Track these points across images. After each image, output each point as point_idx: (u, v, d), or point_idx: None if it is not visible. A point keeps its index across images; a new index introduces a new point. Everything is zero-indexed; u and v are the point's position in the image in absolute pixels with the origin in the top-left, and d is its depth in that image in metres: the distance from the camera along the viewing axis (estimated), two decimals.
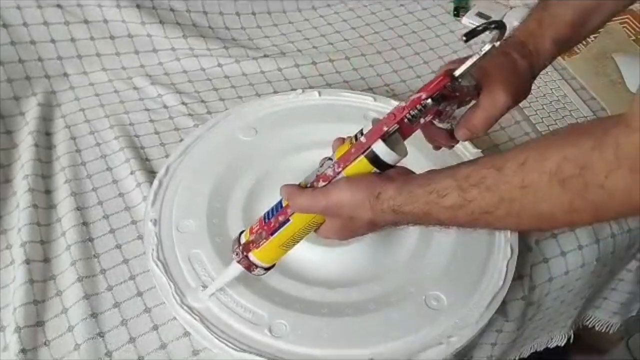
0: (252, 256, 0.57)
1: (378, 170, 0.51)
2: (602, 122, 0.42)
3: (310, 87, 0.92)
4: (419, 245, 0.69)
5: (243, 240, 0.57)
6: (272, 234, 0.55)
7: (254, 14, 1.06)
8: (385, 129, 0.50)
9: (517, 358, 0.84)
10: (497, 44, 0.49)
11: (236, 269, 0.59)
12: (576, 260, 0.76)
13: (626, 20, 1.07)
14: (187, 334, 0.62)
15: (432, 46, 1.04)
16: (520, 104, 0.90)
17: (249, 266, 0.57)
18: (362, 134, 0.52)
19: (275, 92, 0.92)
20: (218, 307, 0.61)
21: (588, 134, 0.41)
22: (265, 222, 0.56)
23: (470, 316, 0.62)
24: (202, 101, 0.89)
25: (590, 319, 0.93)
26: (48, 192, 0.75)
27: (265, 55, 0.98)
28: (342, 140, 0.54)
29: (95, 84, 0.90)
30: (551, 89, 0.95)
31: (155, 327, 0.63)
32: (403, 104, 0.51)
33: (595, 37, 1.05)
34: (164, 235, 0.67)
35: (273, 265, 0.59)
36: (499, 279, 0.65)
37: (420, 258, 0.68)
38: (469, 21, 1.08)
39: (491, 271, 0.66)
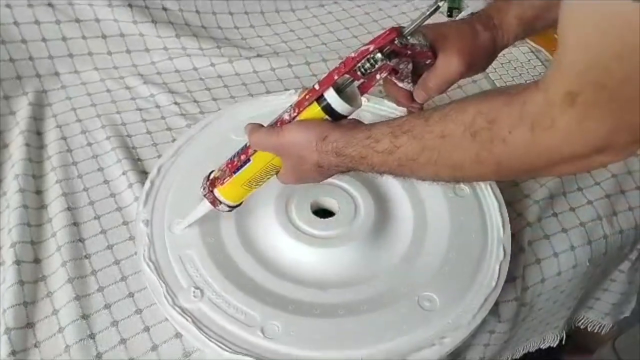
0: (217, 192, 0.62)
1: (330, 119, 0.54)
2: (523, 84, 0.44)
3: (304, 87, 0.92)
4: (412, 246, 0.69)
5: (212, 176, 0.62)
6: (234, 172, 0.59)
7: (247, 13, 1.05)
8: (335, 77, 0.53)
9: (509, 359, 0.84)
10: (442, 3, 0.52)
11: (206, 204, 0.63)
12: (568, 261, 0.76)
13: None
14: (178, 335, 0.62)
15: None
16: None
17: (214, 201, 0.62)
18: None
19: (268, 92, 0.91)
20: (210, 308, 0.61)
21: (505, 93, 0.44)
22: (229, 160, 0.60)
23: (463, 317, 0.62)
24: (195, 101, 0.89)
25: (583, 320, 0.93)
26: (39, 192, 0.75)
27: (258, 55, 0.98)
28: (305, 90, 0.57)
29: (86, 83, 0.90)
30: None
31: (147, 329, 0.63)
32: (353, 54, 0.54)
33: None
34: (155, 236, 0.67)
35: (238, 205, 0.63)
36: (492, 280, 0.65)
37: (413, 259, 0.67)
38: None
39: (484, 272, 0.66)
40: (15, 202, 0.71)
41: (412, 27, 0.54)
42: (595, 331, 0.94)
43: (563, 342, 0.89)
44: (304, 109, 0.54)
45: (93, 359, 0.60)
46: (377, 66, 0.53)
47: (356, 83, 0.55)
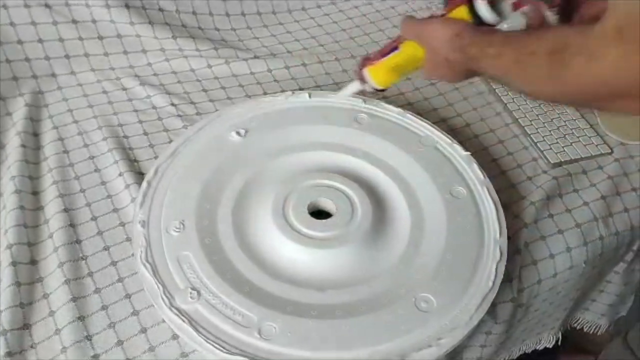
0: (366, 71, 0.67)
1: (474, 22, 0.56)
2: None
3: (301, 89, 0.92)
4: (409, 247, 0.69)
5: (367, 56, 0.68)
6: (384, 56, 0.65)
7: (243, 14, 1.05)
8: None
9: (506, 359, 0.84)
10: None
11: (356, 83, 0.69)
12: (565, 263, 0.77)
13: None
14: (175, 336, 0.62)
15: None
16: (510, 107, 0.91)
17: (362, 78, 0.68)
18: None
19: (265, 93, 0.91)
20: (207, 310, 0.61)
21: (581, 24, 0.50)
22: (385, 46, 0.65)
23: (460, 318, 0.62)
24: (192, 102, 0.89)
25: (579, 321, 0.93)
26: (35, 193, 0.75)
27: (255, 57, 0.98)
28: None
29: (83, 84, 0.89)
30: None
31: (144, 330, 0.63)
32: None
33: None
34: (152, 237, 0.67)
35: (382, 90, 0.68)
36: (489, 281, 0.65)
37: (410, 260, 0.68)
38: None
39: (480, 273, 0.66)
40: (11, 204, 0.71)
41: None
42: (592, 332, 0.94)
43: (559, 343, 0.90)
44: (454, 7, 0.57)
45: None
46: None
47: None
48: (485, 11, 0.56)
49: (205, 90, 0.91)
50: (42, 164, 0.78)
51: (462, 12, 0.56)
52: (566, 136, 0.88)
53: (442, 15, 0.58)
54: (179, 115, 0.86)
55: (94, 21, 0.93)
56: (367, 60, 0.67)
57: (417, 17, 0.61)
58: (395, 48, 0.64)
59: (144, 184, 0.72)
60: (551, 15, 0.59)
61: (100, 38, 0.93)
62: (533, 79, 0.51)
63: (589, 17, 0.56)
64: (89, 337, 0.61)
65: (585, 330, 0.94)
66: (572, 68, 0.45)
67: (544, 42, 0.48)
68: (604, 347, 0.97)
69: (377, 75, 0.66)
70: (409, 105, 0.92)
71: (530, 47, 0.50)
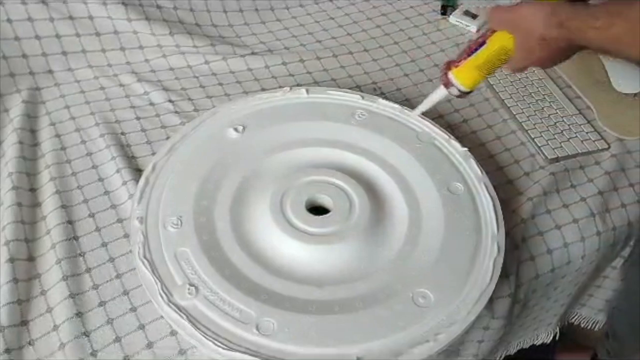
0: (451, 74, 0.67)
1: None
2: None
3: (298, 85, 0.92)
4: (407, 243, 0.69)
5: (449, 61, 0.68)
6: (469, 55, 0.65)
7: (241, 11, 1.05)
8: None
9: (503, 355, 0.85)
10: None
11: (441, 90, 0.69)
12: (562, 258, 0.77)
13: None
14: (173, 332, 0.62)
15: (419, 44, 1.04)
16: (507, 103, 0.91)
17: (447, 83, 0.67)
18: None
19: (262, 89, 0.91)
20: (205, 306, 0.61)
21: None
22: (467, 47, 0.66)
23: (458, 314, 0.62)
24: (189, 99, 0.89)
25: (576, 317, 0.94)
26: (33, 190, 0.74)
27: (252, 53, 0.98)
28: None
29: (80, 80, 0.89)
30: (537, 87, 0.95)
31: (142, 326, 0.63)
32: None
33: None
34: (150, 233, 0.67)
35: (468, 93, 0.68)
36: (486, 276, 0.65)
37: (408, 256, 0.68)
38: (456, 20, 1.09)
39: (478, 269, 0.66)
40: (9, 200, 0.71)
41: None
42: (589, 327, 0.94)
43: (556, 339, 0.90)
44: None
45: (88, 357, 0.60)
46: None
47: None
48: None
49: (202, 87, 0.91)
50: (39, 161, 0.78)
51: None
52: (563, 132, 0.88)
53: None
54: (176, 112, 0.86)
55: (91, 18, 0.93)
56: (451, 63, 0.67)
57: (504, 6, 0.63)
58: (483, 43, 0.64)
59: (142, 180, 0.72)
60: None
61: (98, 35, 0.93)
62: None
63: None
64: (87, 334, 0.61)
65: (582, 325, 0.94)
66: None
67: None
68: (599, 345, 0.97)
69: (464, 76, 0.66)
70: (406, 101, 0.92)
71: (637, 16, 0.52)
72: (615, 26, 0.54)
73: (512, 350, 0.86)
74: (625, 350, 0.90)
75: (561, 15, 0.57)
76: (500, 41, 0.63)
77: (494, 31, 0.64)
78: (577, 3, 0.58)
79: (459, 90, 0.67)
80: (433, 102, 0.72)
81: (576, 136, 0.88)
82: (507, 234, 0.70)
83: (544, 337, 0.89)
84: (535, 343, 0.89)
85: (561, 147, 0.86)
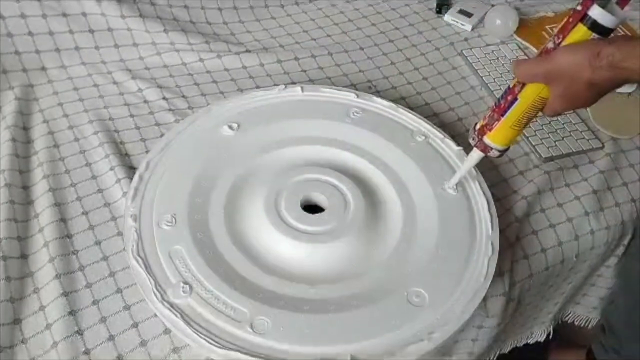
0: (487, 139, 0.64)
1: (598, 36, 0.54)
2: None
3: (293, 83, 0.92)
4: (401, 242, 0.69)
5: (478, 126, 0.65)
6: (502, 115, 0.61)
7: (235, 8, 1.05)
8: None
9: (497, 353, 0.85)
10: None
11: (475, 155, 0.66)
12: (556, 257, 0.77)
13: None
14: (167, 331, 0.62)
15: (414, 43, 1.04)
16: None
17: (485, 149, 0.64)
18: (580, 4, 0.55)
19: (257, 87, 0.91)
20: (199, 304, 0.61)
21: None
22: (495, 106, 0.62)
23: (452, 312, 0.62)
24: (183, 96, 0.89)
25: (570, 315, 0.94)
26: (25, 187, 0.74)
27: (247, 51, 0.97)
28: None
29: (74, 78, 0.89)
30: None
31: (135, 325, 0.62)
32: None
33: None
34: (144, 231, 0.66)
35: (507, 149, 0.65)
36: (480, 275, 0.65)
37: (402, 255, 0.68)
38: (451, 18, 1.09)
39: (472, 268, 0.66)
40: (1, 198, 0.70)
41: None
42: (583, 326, 0.95)
43: (550, 337, 0.90)
44: (568, 32, 0.55)
45: (81, 355, 0.60)
46: None
47: None
48: (606, 18, 0.53)
49: (197, 84, 0.91)
50: (32, 158, 0.78)
51: (580, 31, 0.54)
52: (558, 131, 0.88)
53: (557, 45, 0.56)
54: (170, 109, 0.86)
55: (84, 14, 0.92)
56: (485, 128, 0.64)
57: (527, 59, 0.59)
58: (515, 100, 0.60)
59: (136, 178, 0.71)
60: None
61: (91, 31, 0.93)
62: None
63: None
64: (80, 332, 0.61)
65: (576, 324, 0.94)
66: None
67: None
68: (594, 341, 0.98)
69: (502, 137, 0.63)
70: (401, 100, 0.92)
71: None
72: None
73: (506, 349, 0.86)
74: (623, 345, 0.90)
75: (610, 56, 0.53)
76: (535, 93, 0.59)
77: (523, 84, 0.60)
78: (616, 40, 0.54)
79: (499, 151, 0.65)
80: (470, 167, 0.69)
81: (570, 135, 0.88)
82: (501, 232, 0.70)
83: (538, 335, 0.89)
84: (529, 341, 0.89)
85: (555, 146, 0.86)
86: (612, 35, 0.55)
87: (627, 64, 0.53)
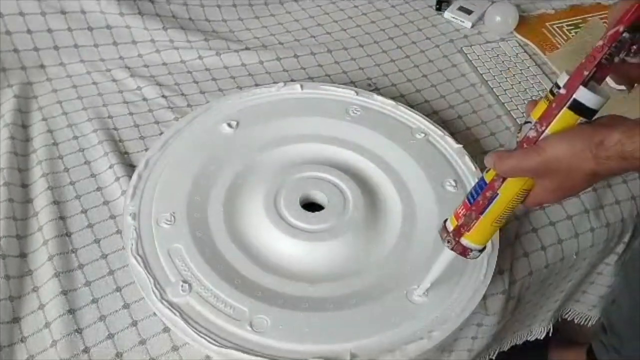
0: (465, 240, 0.56)
1: (585, 120, 0.49)
2: None
3: (292, 81, 0.92)
4: (401, 240, 0.69)
5: (450, 227, 0.56)
6: (481, 213, 0.54)
7: (235, 5, 1.05)
8: (585, 73, 0.48)
9: (497, 351, 0.85)
10: None
11: (449, 257, 0.58)
12: (556, 254, 0.77)
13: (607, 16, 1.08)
14: (166, 329, 0.61)
15: (414, 40, 1.04)
16: (502, 99, 0.91)
17: (464, 251, 0.56)
18: (558, 87, 0.49)
19: (256, 85, 0.91)
20: (198, 302, 0.61)
21: None
22: (471, 203, 0.54)
23: (451, 311, 0.62)
24: (183, 94, 0.88)
25: (569, 313, 0.94)
26: (24, 185, 0.74)
27: (246, 48, 0.97)
28: (535, 103, 0.52)
29: (72, 75, 0.89)
30: (532, 83, 0.95)
31: (135, 323, 0.62)
32: (600, 42, 0.48)
33: (575, 32, 1.06)
34: (143, 229, 0.66)
35: (485, 247, 0.58)
36: (480, 273, 0.65)
37: (402, 253, 0.68)
38: (451, 15, 1.08)
39: (472, 266, 0.66)
40: (0, 196, 0.70)
41: None
42: (582, 323, 0.95)
43: (550, 335, 0.90)
44: (554, 118, 0.49)
45: (80, 354, 0.60)
46: (619, 47, 0.48)
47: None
48: (595, 99, 0.48)
49: (196, 82, 0.91)
50: (31, 156, 0.77)
51: (565, 118, 0.49)
52: None
53: (541, 134, 0.50)
54: (169, 107, 0.85)
55: (83, 12, 0.92)
56: (462, 228, 0.55)
57: (507, 151, 0.51)
58: (495, 196, 0.53)
59: (135, 176, 0.71)
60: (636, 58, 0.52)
61: (90, 29, 0.92)
62: None
63: None
64: (79, 331, 0.61)
65: (576, 322, 0.94)
66: None
67: None
68: (594, 340, 0.98)
69: (479, 236, 0.56)
70: (401, 97, 0.92)
71: None
72: None
73: (506, 346, 0.86)
74: (624, 344, 0.90)
75: (619, 145, 0.46)
76: (518, 187, 0.52)
77: (503, 179, 0.53)
78: (618, 125, 0.48)
79: (479, 251, 0.57)
80: (442, 270, 0.60)
81: None
82: (500, 230, 0.70)
83: (538, 333, 0.89)
84: (528, 339, 0.89)
85: None
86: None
87: (636, 152, 0.46)
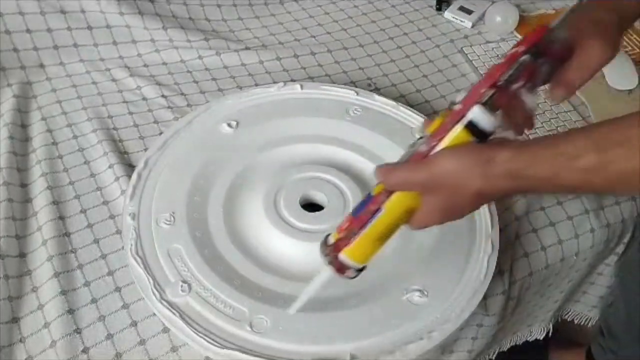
0: (343, 255, 0.52)
1: (477, 140, 0.48)
2: None
3: (292, 81, 0.91)
4: (401, 240, 0.68)
5: (331, 240, 0.53)
6: (362, 228, 0.50)
7: (235, 5, 1.05)
8: (482, 91, 0.47)
9: (496, 351, 0.85)
10: None
11: (326, 273, 0.54)
12: (556, 255, 0.77)
13: None
14: (166, 329, 0.61)
15: (414, 40, 1.04)
16: None
17: (340, 268, 0.52)
18: (454, 103, 0.49)
19: (256, 85, 0.91)
20: (198, 303, 0.61)
21: None
22: (354, 216, 0.51)
23: (451, 311, 0.62)
24: (182, 94, 0.88)
25: (569, 313, 0.94)
26: (24, 185, 0.74)
27: (246, 48, 0.97)
28: (431, 120, 0.51)
29: (72, 75, 0.89)
30: None
31: (134, 323, 0.62)
32: (500, 61, 0.48)
33: None
34: (142, 229, 0.66)
35: (364, 267, 0.54)
36: (480, 274, 0.65)
37: (402, 253, 0.67)
38: (452, 15, 1.08)
39: (472, 266, 0.66)
40: None
41: (561, 18, 0.50)
42: (582, 324, 0.94)
43: (550, 335, 0.90)
44: (446, 134, 0.48)
45: (79, 354, 0.59)
46: (520, 70, 0.47)
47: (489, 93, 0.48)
48: (489, 121, 0.47)
49: (196, 82, 0.91)
50: (30, 156, 0.77)
51: (458, 135, 0.47)
52: (558, 129, 0.88)
53: (431, 149, 0.48)
54: (169, 107, 0.85)
55: (82, 11, 0.92)
56: (341, 242, 0.51)
57: (399, 164, 0.50)
58: (378, 211, 0.50)
59: (134, 176, 0.71)
60: (531, 98, 0.51)
61: (90, 28, 0.92)
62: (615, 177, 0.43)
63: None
64: (78, 331, 0.61)
65: (576, 322, 0.94)
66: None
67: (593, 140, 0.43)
68: (593, 342, 0.98)
69: (360, 254, 0.52)
70: (401, 97, 0.92)
71: (575, 151, 0.43)
72: (620, 162, 0.42)
73: (506, 346, 0.86)
74: (621, 347, 0.90)
75: (507, 163, 0.45)
76: (403, 203, 0.50)
77: (389, 192, 0.50)
78: (508, 143, 0.47)
79: (357, 270, 0.53)
80: (315, 290, 0.56)
81: None
82: (501, 231, 0.70)
83: (538, 333, 0.89)
84: (528, 339, 0.89)
85: None
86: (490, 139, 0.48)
87: (532, 172, 0.45)
